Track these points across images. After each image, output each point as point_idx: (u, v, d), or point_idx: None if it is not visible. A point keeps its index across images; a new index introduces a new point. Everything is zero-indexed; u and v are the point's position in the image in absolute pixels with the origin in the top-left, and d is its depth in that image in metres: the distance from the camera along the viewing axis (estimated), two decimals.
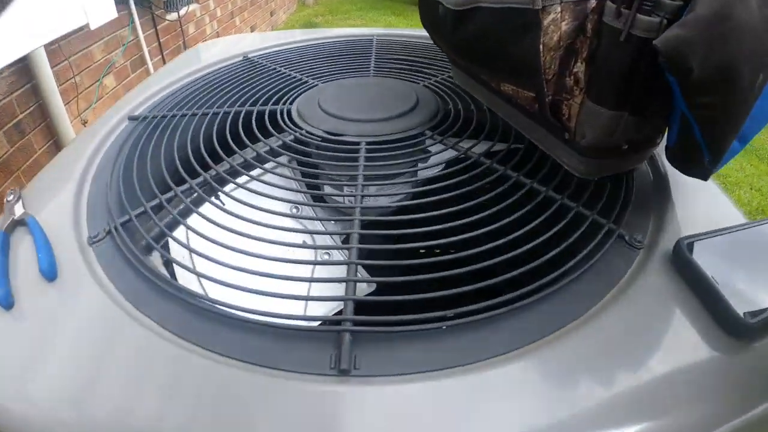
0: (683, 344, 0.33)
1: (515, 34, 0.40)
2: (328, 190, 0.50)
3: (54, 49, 1.47)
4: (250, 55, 0.81)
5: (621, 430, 0.28)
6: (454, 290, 0.34)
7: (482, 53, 0.47)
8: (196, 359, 0.32)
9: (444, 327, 0.32)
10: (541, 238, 0.38)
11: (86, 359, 0.32)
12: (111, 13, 1.47)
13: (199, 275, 0.38)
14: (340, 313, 0.34)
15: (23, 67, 1.37)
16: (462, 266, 0.36)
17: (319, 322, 0.35)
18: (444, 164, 0.50)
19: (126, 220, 0.43)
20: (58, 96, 1.45)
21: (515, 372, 0.30)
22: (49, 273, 0.38)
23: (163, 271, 0.42)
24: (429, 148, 0.53)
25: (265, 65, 0.76)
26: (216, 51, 0.88)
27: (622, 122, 0.37)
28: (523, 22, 0.39)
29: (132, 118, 0.60)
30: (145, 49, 1.89)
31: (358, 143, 0.51)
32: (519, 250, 0.37)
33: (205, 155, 0.51)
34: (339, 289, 0.35)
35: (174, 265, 0.41)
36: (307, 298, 0.34)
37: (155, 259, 0.44)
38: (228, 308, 0.34)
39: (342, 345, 0.31)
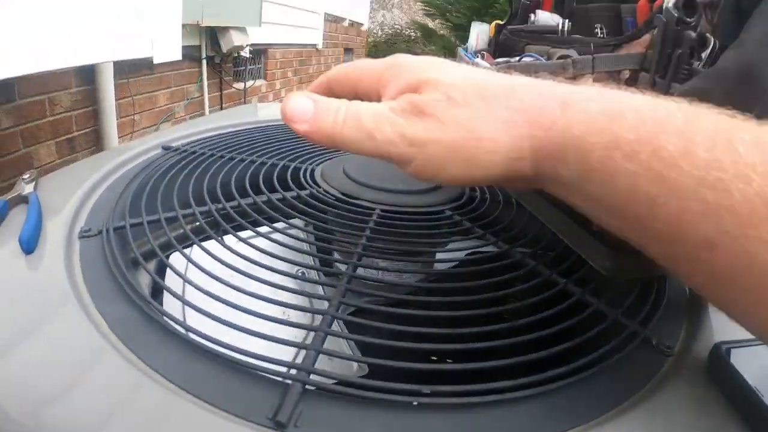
0: None
1: None
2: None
3: (122, 83, 1.60)
4: None
5: None
6: (436, 365, 0.29)
7: None
8: (126, 366, 0.29)
9: (415, 403, 0.27)
10: (546, 331, 0.33)
11: (27, 333, 0.31)
12: (176, 53, 1.61)
13: (169, 291, 0.36)
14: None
15: (90, 90, 1.48)
16: (453, 343, 0.32)
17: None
18: (457, 239, 0.48)
19: (120, 226, 0.44)
20: (114, 128, 1.54)
21: None
22: (27, 244, 0.38)
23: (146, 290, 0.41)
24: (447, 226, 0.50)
25: None
26: (267, 111, 0.94)
27: None
28: None
29: (165, 148, 0.64)
30: (207, 109, 2.04)
31: (372, 208, 0.50)
32: (517, 338, 0.32)
33: (219, 193, 0.52)
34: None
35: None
36: (263, 336, 0.30)
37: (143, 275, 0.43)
38: (181, 327, 0.32)
39: (287, 395, 0.27)
